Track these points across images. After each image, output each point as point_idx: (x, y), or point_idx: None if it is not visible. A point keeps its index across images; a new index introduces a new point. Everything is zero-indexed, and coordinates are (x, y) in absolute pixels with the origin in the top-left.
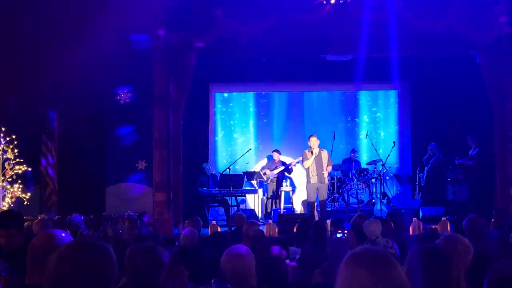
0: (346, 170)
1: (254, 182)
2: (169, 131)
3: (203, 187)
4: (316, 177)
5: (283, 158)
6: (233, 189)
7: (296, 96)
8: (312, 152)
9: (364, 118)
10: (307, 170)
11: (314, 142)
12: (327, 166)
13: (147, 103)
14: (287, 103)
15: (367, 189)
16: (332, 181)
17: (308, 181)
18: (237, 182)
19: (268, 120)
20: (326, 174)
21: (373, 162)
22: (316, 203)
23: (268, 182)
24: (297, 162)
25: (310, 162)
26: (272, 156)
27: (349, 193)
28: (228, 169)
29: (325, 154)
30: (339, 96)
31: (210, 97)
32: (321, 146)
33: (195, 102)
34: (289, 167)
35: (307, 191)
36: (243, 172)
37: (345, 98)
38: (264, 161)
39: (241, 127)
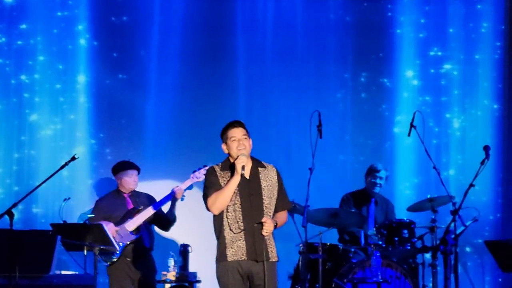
0: (350, 225)
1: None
2: None
3: None
4: (244, 242)
5: (153, 184)
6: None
7: (221, 8)
8: (230, 170)
9: (407, 76)
10: (217, 220)
11: (237, 140)
12: (279, 210)
13: None
14: (194, 23)
15: (408, 280)
16: (317, 257)
17: (221, 255)
18: (28, 260)
19: (139, 76)
20: (269, 232)
21: (428, 203)
22: None
23: (115, 259)
24: (187, 189)
25: (224, 198)
26: (116, 180)
27: None
28: None
29: (270, 176)
30: (343, 10)
31: None
32: (271, 157)
33: None
34: (162, 204)
35: (219, 281)
36: (53, 226)
37: (363, 15)
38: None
39: (48, 92)
